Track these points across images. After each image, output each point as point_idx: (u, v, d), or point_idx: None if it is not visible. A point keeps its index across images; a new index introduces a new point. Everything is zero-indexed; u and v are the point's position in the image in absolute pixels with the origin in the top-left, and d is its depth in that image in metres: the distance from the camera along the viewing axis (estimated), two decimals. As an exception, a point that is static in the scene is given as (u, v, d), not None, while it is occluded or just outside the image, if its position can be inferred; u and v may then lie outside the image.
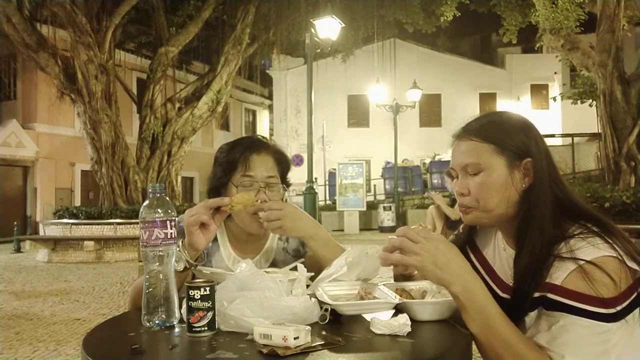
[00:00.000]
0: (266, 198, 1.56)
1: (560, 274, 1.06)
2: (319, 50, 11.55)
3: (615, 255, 1.04)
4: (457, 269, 1.06)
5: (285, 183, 1.67)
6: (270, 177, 1.59)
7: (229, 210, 1.40)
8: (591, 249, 1.05)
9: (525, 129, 1.20)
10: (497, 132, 1.19)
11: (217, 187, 1.61)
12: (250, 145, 1.62)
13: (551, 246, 1.10)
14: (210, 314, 1.03)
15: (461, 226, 1.40)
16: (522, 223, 1.16)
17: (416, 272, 1.36)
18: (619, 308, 1.01)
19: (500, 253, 1.27)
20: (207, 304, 1.03)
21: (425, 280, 1.31)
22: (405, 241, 1.08)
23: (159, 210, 1.16)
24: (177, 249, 1.29)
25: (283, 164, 1.66)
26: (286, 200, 1.76)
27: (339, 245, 1.56)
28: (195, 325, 1.03)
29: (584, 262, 1.04)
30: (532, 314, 1.11)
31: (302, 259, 1.63)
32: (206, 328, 1.03)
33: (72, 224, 10.98)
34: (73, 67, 11.35)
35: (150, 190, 1.20)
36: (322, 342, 0.94)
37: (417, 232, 1.09)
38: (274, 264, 1.64)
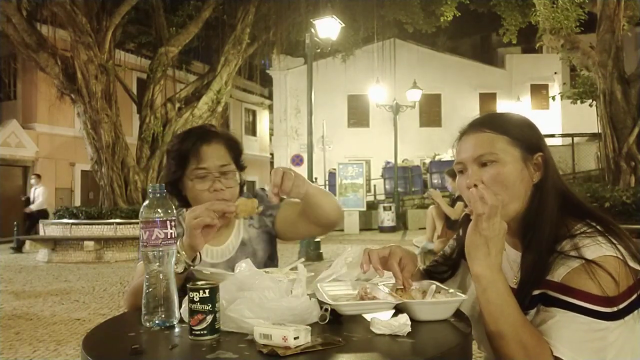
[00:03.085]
0: (222, 186, 1.57)
1: (561, 271, 1.07)
2: (319, 50, 11.54)
3: (616, 254, 1.04)
4: (494, 258, 1.08)
5: (240, 166, 1.68)
6: (224, 166, 1.59)
7: (234, 217, 1.40)
8: (593, 247, 1.05)
9: (533, 126, 1.21)
10: (508, 125, 1.19)
11: (173, 181, 1.62)
12: (200, 136, 1.62)
13: (555, 243, 1.11)
14: (210, 318, 1.01)
15: (461, 228, 1.39)
16: (530, 218, 1.15)
17: (414, 273, 1.35)
18: (620, 307, 1.01)
19: (501, 254, 1.27)
20: (207, 307, 1.01)
21: (425, 280, 1.31)
22: (496, 208, 1.06)
23: (159, 210, 1.16)
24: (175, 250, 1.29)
25: (235, 149, 1.66)
26: (244, 184, 1.74)
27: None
28: (195, 328, 1.02)
29: (585, 260, 1.04)
30: (532, 312, 1.11)
31: (269, 225, 1.67)
32: (206, 332, 1.01)
33: (72, 224, 10.98)
34: (73, 67, 11.35)
35: (150, 190, 1.19)
36: (322, 342, 0.93)
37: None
38: (243, 243, 1.65)
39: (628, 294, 1.02)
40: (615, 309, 1.01)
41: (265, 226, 1.68)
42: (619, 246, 1.05)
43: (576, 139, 17.88)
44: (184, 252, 1.35)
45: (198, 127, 1.73)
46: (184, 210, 1.69)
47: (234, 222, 1.69)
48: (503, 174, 1.14)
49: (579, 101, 12.04)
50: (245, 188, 1.74)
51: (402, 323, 1.01)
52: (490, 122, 1.19)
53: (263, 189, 1.75)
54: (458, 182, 1.23)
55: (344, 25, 11.00)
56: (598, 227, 1.10)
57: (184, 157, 1.59)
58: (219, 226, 1.41)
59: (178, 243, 1.35)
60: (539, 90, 24.84)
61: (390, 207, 16.76)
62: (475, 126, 1.20)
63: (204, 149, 1.58)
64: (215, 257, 1.64)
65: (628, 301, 1.02)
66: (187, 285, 1.06)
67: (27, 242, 12.63)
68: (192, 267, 1.37)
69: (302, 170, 15.18)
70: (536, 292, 1.10)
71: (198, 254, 1.42)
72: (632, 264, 1.05)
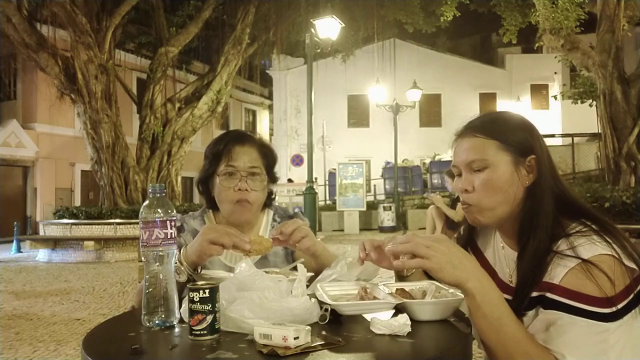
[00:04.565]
0: (247, 187, 1.60)
1: (559, 272, 1.06)
2: (319, 50, 11.54)
3: (612, 253, 1.04)
4: (471, 267, 1.06)
5: (272, 177, 1.70)
6: (253, 168, 1.62)
7: (246, 255, 1.40)
8: (589, 246, 1.05)
9: (528, 127, 1.21)
10: (501, 128, 1.20)
11: (205, 178, 1.68)
12: (235, 137, 1.67)
13: (551, 243, 1.11)
14: (210, 318, 1.01)
15: (461, 227, 1.40)
16: (525, 220, 1.16)
17: (412, 272, 1.36)
18: (619, 306, 1.01)
19: (499, 252, 1.27)
20: (207, 307, 1.01)
21: (425, 280, 1.31)
22: (418, 245, 1.06)
23: (159, 210, 1.16)
24: (176, 262, 1.29)
25: (268, 157, 1.69)
26: (274, 196, 1.78)
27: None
28: (195, 328, 1.02)
29: (581, 260, 1.04)
30: (530, 313, 1.11)
31: (293, 253, 1.68)
32: (206, 332, 1.01)
33: (72, 224, 10.98)
34: (73, 67, 11.35)
35: (150, 190, 1.19)
36: (322, 342, 0.93)
37: (424, 236, 1.09)
38: (265, 256, 1.66)
39: (625, 294, 1.02)
40: (614, 308, 1.01)
41: (288, 251, 1.70)
42: (614, 245, 1.05)
43: (576, 139, 17.89)
44: (185, 264, 1.35)
45: (235, 130, 1.79)
46: (210, 211, 1.73)
47: (258, 231, 1.71)
48: (493, 180, 1.16)
49: (579, 101, 12.07)
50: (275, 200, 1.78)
51: (402, 323, 1.01)
52: (483, 127, 1.20)
53: (302, 212, 1.79)
54: (455, 185, 1.25)
55: (344, 25, 11.01)
56: (593, 226, 1.10)
57: (217, 156, 1.63)
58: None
59: (182, 251, 1.36)
60: (539, 90, 24.84)
61: (390, 207, 16.75)
62: (469, 130, 1.22)
63: (236, 148, 1.63)
64: (233, 261, 1.64)
65: (626, 301, 1.02)
66: (187, 286, 1.06)
67: (28, 242, 12.64)
68: (194, 275, 1.38)
69: (302, 170, 15.15)
70: (535, 294, 1.10)
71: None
72: (627, 262, 1.05)
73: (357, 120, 25.06)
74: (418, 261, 1.06)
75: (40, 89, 16.29)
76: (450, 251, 1.06)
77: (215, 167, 1.63)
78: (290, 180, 19.45)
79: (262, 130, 29.08)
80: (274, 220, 1.75)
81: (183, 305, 1.11)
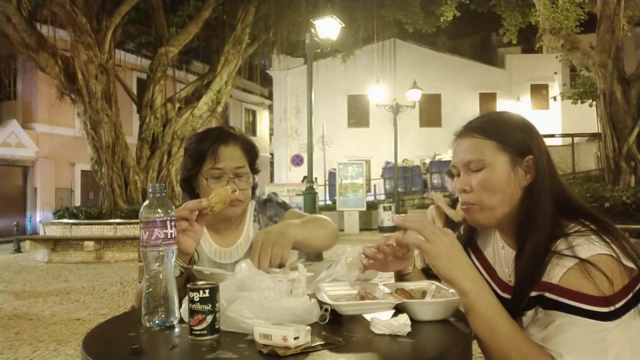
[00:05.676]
0: (236, 188, 1.58)
1: (557, 272, 1.07)
2: (319, 50, 11.54)
3: (610, 253, 1.04)
4: (467, 266, 1.08)
5: (254, 170, 1.70)
6: (239, 168, 1.62)
7: (210, 212, 1.38)
8: (587, 246, 1.06)
9: (526, 127, 1.21)
10: (499, 129, 1.20)
11: (188, 178, 1.66)
12: (219, 137, 1.64)
13: (549, 243, 1.11)
14: (210, 318, 1.01)
15: (462, 227, 1.40)
16: (523, 221, 1.16)
17: (411, 271, 1.36)
18: (617, 306, 1.01)
19: (499, 252, 1.27)
20: (207, 307, 1.01)
21: (425, 280, 1.31)
22: (426, 227, 1.08)
23: (159, 210, 1.16)
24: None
25: (251, 152, 1.69)
26: (257, 187, 1.77)
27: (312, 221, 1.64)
28: (195, 328, 1.01)
29: (579, 260, 1.04)
30: (529, 313, 1.12)
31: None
32: (206, 332, 1.01)
33: (72, 224, 10.98)
34: (73, 67, 11.34)
35: (150, 190, 1.19)
36: (322, 342, 0.93)
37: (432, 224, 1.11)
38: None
39: (624, 293, 1.03)
40: (612, 308, 1.01)
41: None
42: (612, 245, 1.06)
43: (576, 139, 17.89)
44: (177, 258, 1.35)
45: (217, 128, 1.75)
46: None
47: (244, 225, 1.72)
48: (490, 180, 1.16)
49: (579, 101, 12.07)
50: (257, 191, 1.78)
51: (402, 323, 1.01)
52: (481, 127, 1.21)
53: (275, 194, 1.79)
54: (454, 185, 1.25)
55: (344, 25, 11.00)
56: (592, 226, 1.10)
57: (201, 156, 1.61)
58: (202, 225, 1.39)
59: None
60: (539, 90, 24.85)
61: (390, 207, 16.76)
62: (467, 130, 1.23)
63: (221, 149, 1.61)
64: (223, 258, 1.66)
65: (624, 300, 1.02)
66: (187, 285, 1.06)
67: (28, 242, 12.65)
68: (188, 269, 1.38)
69: (302, 170, 15.11)
70: (534, 294, 1.10)
71: (195, 253, 1.43)
72: (626, 262, 1.05)
73: (357, 120, 25.06)
74: (418, 238, 1.09)
75: (40, 89, 16.30)
76: (452, 245, 1.08)
77: (200, 168, 1.62)
78: (305, 178, 19.46)
79: (262, 130, 29.09)
80: (255, 210, 1.76)
81: (183, 305, 1.10)
